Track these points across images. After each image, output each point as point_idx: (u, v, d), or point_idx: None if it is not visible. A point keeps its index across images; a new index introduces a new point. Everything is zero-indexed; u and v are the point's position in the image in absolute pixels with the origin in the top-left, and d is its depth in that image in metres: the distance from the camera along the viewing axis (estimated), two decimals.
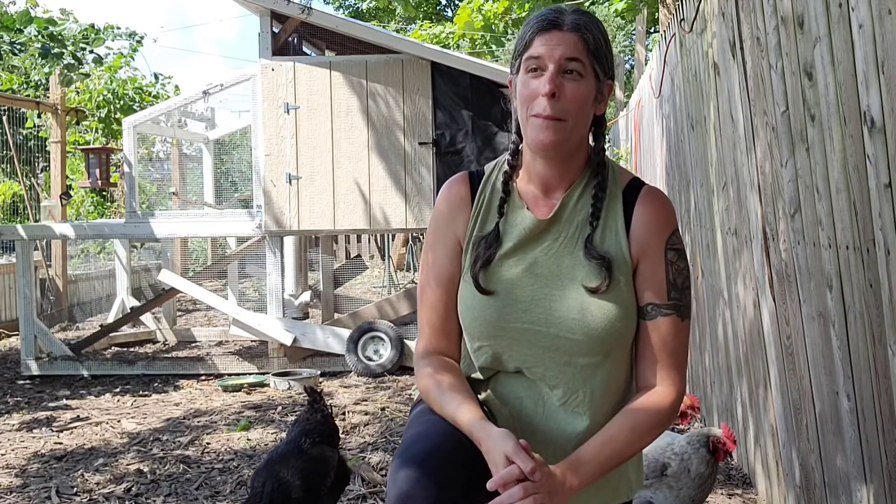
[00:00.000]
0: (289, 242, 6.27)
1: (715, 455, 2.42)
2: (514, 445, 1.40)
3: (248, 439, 3.96)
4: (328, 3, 22.67)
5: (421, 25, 15.52)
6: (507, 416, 1.62)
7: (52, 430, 4.22)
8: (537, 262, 1.58)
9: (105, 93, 9.49)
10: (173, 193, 8.12)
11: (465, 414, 1.50)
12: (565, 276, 1.56)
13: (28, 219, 8.48)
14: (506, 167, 1.65)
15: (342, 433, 4.01)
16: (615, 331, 1.54)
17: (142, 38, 8.65)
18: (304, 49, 6.02)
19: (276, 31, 5.52)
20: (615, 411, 1.59)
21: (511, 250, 1.60)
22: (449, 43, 14.00)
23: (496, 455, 1.41)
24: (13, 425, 4.36)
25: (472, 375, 1.67)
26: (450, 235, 1.66)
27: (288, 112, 5.38)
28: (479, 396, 1.65)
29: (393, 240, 10.88)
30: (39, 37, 5.83)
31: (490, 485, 1.39)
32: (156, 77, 11.06)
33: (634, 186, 1.61)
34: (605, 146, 1.63)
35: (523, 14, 10.94)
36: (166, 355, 6.28)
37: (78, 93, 9.44)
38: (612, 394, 1.59)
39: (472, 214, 1.65)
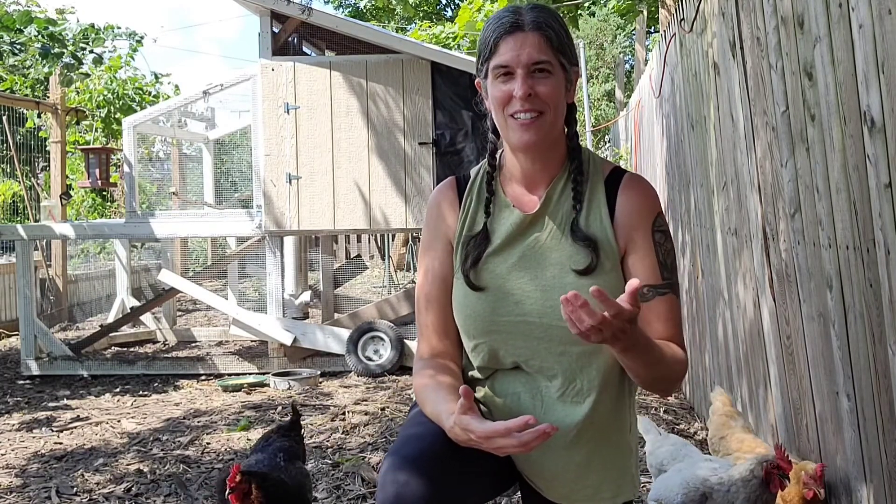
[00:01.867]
0: (289, 242, 6.27)
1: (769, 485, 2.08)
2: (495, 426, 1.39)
3: (248, 439, 3.95)
4: (327, 3, 22.68)
5: (420, 26, 15.50)
6: (505, 412, 1.62)
7: (52, 430, 4.22)
8: (526, 256, 1.60)
9: (105, 93, 9.49)
10: (173, 193, 8.12)
11: (447, 409, 1.49)
12: (554, 265, 1.58)
13: (28, 219, 8.48)
14: (487, 167, 1.67)
15: (342, 433, 4.02)
16: None
17: (142, 38, 8.65)
18: (304, 49, 6.03)
19: (276, 31, 5.52)
20: (614, 400, 1.61)
21: (500, 247, 1.62)
22: (449, 43, 13.98)
23: (481, 434, 1.39)
24: (13, 425, 4.36)
25: (471, 373, 1.68)
26: (442, 238, 1.69)
27: (288, 112, 5.38)
28: (476, 394, 1.66)
29: (393, 240, 10.88)
30: (39, 37, 5.83)
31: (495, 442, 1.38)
32: (156, 77, 11.07)
33: (616, 175, 1.64)
34: (577, 131, 1.66)
35: None
36: (166, 355, 6.28)
37: (78, 93, 9.45)
38: (609, 382, 1.59)
39: (459, 216, 1.67)
